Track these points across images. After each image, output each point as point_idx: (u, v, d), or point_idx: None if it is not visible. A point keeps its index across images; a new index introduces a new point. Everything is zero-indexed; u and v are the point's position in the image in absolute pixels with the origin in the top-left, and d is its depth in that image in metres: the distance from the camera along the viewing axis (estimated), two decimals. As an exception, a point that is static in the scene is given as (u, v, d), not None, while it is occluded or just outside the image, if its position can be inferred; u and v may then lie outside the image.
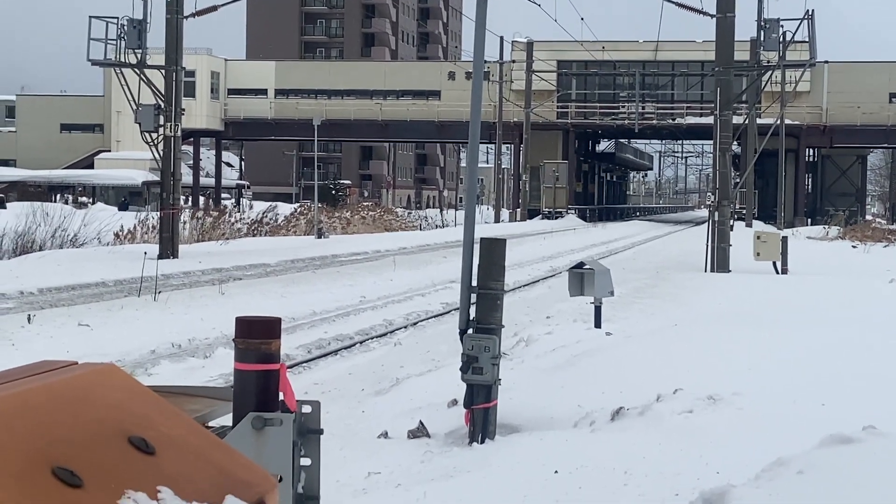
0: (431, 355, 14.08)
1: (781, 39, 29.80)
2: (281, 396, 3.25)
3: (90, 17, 31.35)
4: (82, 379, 2.28)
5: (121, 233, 35.74)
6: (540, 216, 69.94)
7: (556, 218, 68.89)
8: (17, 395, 2.07)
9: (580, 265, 14.06)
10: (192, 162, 77.14)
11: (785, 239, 27.50)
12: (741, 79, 38.92)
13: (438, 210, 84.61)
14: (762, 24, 29.83)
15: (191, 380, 11.62)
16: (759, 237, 27.64)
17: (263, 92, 79.18)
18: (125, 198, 72.70)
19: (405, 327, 17.47)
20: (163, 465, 2.14)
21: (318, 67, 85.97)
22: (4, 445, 1.89)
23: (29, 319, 16.05)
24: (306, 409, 3.32)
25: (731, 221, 30.31)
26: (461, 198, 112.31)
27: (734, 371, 9.35)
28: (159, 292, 19.91)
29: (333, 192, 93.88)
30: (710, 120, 32.44)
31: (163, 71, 30.38)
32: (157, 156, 30.75)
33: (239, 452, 2.46)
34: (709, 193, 30.35)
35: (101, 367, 2.39)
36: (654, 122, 74.59)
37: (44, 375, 2.28)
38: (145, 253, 23.42)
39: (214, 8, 32.88)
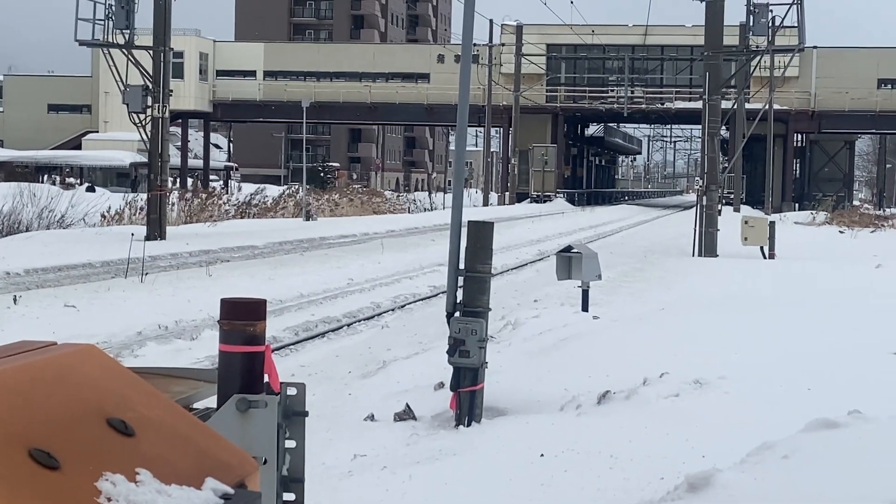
0: (418, 338, 14.08)
1: (770, 24, 29.80)
2: (266, 378, 3.23)
3: (78, -4, 31.15)
4: (61, 359, 2.26)
5: (108, 214, 35.63)
6: (528, 200, 69.97)
7: (545, 202, 68.92)
8: (-6, 376, 2.04)
9: (568, 249, 14.06)
10: (180, 143, 76.88)
11: (772, 224, 27.55)
12: (730, 63, 38.89)
13: (427, 193, 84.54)
14: (751, 8, 29.80)
15: (177, 361, 11.59)
16: (746, 222, 27.68)
17: (252, 73, 78.92)
18: (91, 182, 70.79)
19: (392, 310, 17.46)
20: (142, 447, 2.12)
21: (307, 49, 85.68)
22: (-20, 426, 1.87)
23: (15, 300, 15.99)
24: (291, 391, 3.30)
25: (719, 206, 30.34)
26: (450, 181, 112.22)
27: (720, 355, 9.36)
28: (146, 274, 19.86)
29: (322, 174, 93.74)
30: (698, 104, 32.45)
31: (151, 52, 30.25)
32: (144, 137, 30.64)
33: (219, 434, 2.44)
34: (697, 178, 30.36)
35: (81, 347, 2.37)
36: (642, 106, 74.56)
37: (21, 356, 2.25)
38: (132, 234, 23.34)
39: (203, -12, 32.69)
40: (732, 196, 55.92)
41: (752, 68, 31.31)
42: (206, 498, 2.09)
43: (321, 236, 32.47)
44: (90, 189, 56.77)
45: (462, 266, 8.54)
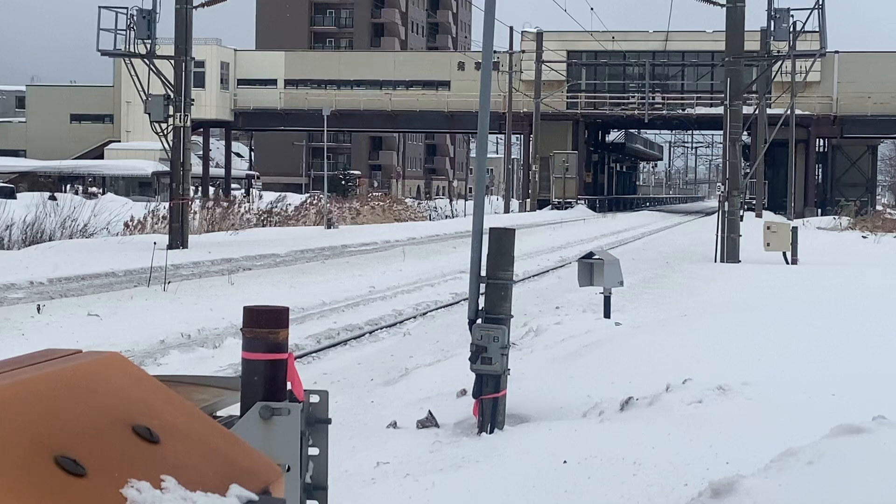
0: (440, 345, 14.08)
1: (792, 29, 29.72)
2: (289, 386, 3.24)
3: (100, 7, 31.38)
4: (87, 367, 2.27)
5: (131, 223, 35.81)
6: (549, 206, 69.85)
7: (566, 208, 68.81)
8: (21, 383, 2.06)
9: (590, 255, 14.04)
10: (201, 152, 77.15)
11: (795, 229, 27.44)
12: (751, 69, 38.81)
13: (448, 200, 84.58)
14: (772, 13, 29.72)
15: (200, 370, 11.63)
16: (769, 227, 27.58)
17: (273, 82, 79.12)
18: (51, 192, 65.62)
19: (414, 317, 17.46)
20: (167, 454, 2.13)
21: (327, 58, 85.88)
22: (7, 433, 1.88)
23: (38, 309, 16.07)
24: (314, 398, 3.31)
25: (741, 212, 30.24)
26: (471, 188, 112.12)
27: (743, 361, 9.32)
28: (169, 282, 19.93)
29: (343, 182, 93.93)
30: (720, 110, 32.38)
31: (172, 61, 30.39)
32: (166, 146, 30.78)
33: (244, 441, 2.45)
34: (719, 184, 30.29)
35: (106, 355, 2.38)
36: (663, 112, 74.41)
37: (48, 363, 2.26)
38: (154, 243, 23.42)
39: (224, -2, 32.83)
40: (754, 202, 55.72)
41: (773, 73, 31.20)
42: (230, 505, 2.10)
43: (343, 244, 32.52)
44: (52, 198, 53.90)
45: (484, 273, 8.54)
